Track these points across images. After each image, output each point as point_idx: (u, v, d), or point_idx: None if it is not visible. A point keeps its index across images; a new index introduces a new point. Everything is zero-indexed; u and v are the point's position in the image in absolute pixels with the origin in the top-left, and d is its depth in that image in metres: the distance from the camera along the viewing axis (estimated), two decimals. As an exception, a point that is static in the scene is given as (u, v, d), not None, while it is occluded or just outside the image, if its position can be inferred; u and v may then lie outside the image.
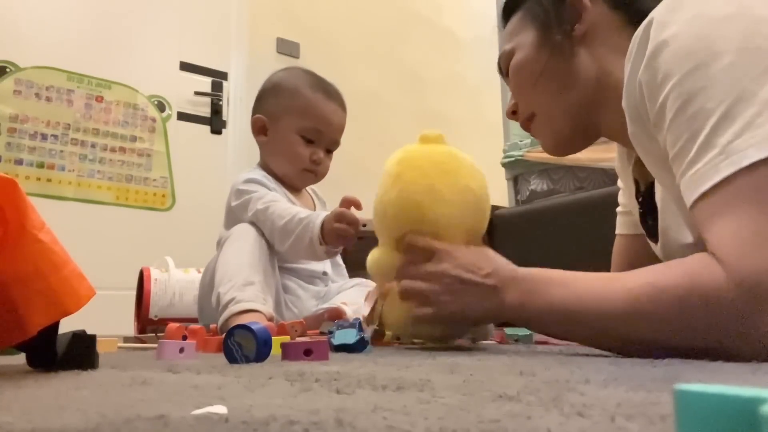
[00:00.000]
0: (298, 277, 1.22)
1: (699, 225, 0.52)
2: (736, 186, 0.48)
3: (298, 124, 1.22)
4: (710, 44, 0.51)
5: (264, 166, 1.29)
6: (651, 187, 0.71)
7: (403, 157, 0.74)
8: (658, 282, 0.50)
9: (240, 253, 1.06)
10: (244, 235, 1.09)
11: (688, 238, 0.61)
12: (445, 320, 0.67)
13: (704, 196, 0.50)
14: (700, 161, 0.50)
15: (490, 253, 0.67)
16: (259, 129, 1.27)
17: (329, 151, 1.28)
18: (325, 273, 1.27)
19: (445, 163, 0.73)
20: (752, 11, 0.51)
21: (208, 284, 1.12)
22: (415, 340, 0.91)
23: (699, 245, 0.59)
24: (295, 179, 1.27)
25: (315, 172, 1.26)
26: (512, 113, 0.79)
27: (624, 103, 0.60)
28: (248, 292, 0.99)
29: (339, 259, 1.39)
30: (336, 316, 1.04)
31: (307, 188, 1.37)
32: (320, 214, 1.04)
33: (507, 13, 0.78)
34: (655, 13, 0.55)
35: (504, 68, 0.78)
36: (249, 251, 1.06)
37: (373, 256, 0.76)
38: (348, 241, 1.00)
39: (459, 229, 0.72)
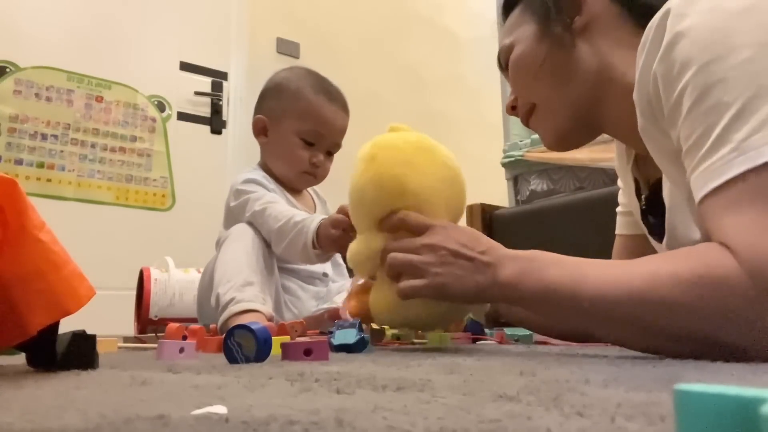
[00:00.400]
0: (298, 278, 1.22)
1: (706, 218, 0.51)
2: (749, 183, 0.47)
3: (298, 126, 1.22)
4: (728, 37, 0.50)
5: (264, 166, 1.29)
6: (656, 184, 0.70)
7: (375, 142, 0.73)
8: (670, 268, 0.49)
9: (238, 253, 1.06)
10: (243, 236, 1.09)
11: (696, 234, 0.60)
12: (435, 295, 0.63)
13: (716, 191, 0.49)
14: (713, 156, 0.49)
15: (483, 235, 0.66)
16: (260, 129, 1.27)
17: (330, 153, 1.28)
18: (325, 274, 1.27)
19: (420, 141, 0.73)
20: None
21: (207, 284, 1.12)
22: (415, 340, 0.91)
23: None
24: (294, 181, 1.27)
25: (314, 174, 1.26)
26: (512, 108, 0.79)
27: (635, 96, 0.59)
28: (247, 293, 0.99)
29: (339, 258, 1.40)
30: (336, 316, 1.04)
31: (309, 189, 1.37)
32: (315, 218, 1.03)
33: (507, 8, 0.78)
34: (672, 4, 0.54)
35: (504, 63, 0.77)
36: (247, 252, 1.06)
37: (354, 246, 0.73)
38: (343, 248, 1.00)
39: (440, 203, 0.71)
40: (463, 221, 0.83)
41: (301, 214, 1.07)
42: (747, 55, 0.49)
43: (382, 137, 0.74)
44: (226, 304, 0.98)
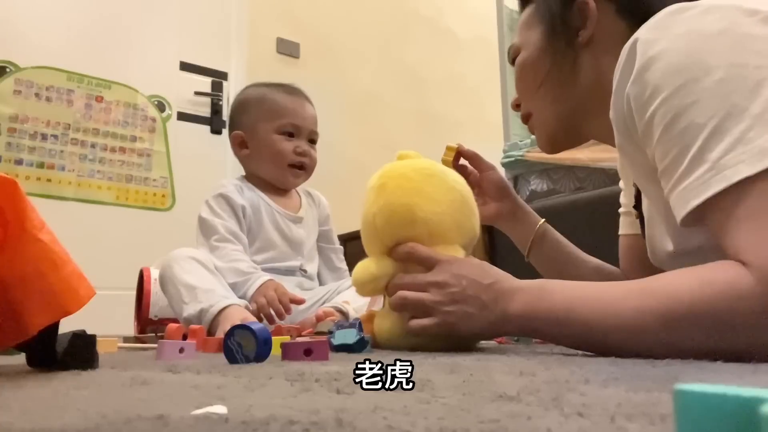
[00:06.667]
0: (278, 272, 1.24)
1: (689, 237, 0.52)
2: (726, 202, 0.48)
3: (273, 125, 1.29)
4: (700, 60, 0.51)
5: (250, 175, 1.35)
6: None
7: (385, 171, 0.74)
8: (684, 295, 0.49)
9: (191, 276, 1.09)
10: (191, 264, 1.12)
11: (670, 246, 0.62)
12: (445, 333, 0.63)
13: (694, 211, 0.50)
14: (690, 176, 0.50)
15: (491, 266, 0.66)
16: (240, 143, 1.33)
17: (312, 142, 1.34)
18: (303, 269, 1.30)
19: (428, 168, 0.73)
20: (741, 28, 0.51)
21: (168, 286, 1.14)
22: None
23: (679, 254, 0.60)
24: (284, 178, 1.32)
25: (302, 166, 1.31)
26: (516, 106, 0.82)
27: (611, 115, 0.61)
28: (214, 295, 1.04)
29: (340, 263, 1.40)
30: (320, 318, 1.05)
31: (300, 191, 1.39)
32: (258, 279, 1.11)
33: (524, 1, 0.79)
34: (640, 33, 0.55)
35: (511, 61, 0.80)
36: (199, 274, 1.10)
37: (362, 265, 0.73)
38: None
39: (452, 228, 0.71)
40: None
41: (238, 275, 1.13)
42: (719, 76, 0.50)
43: (391, 166, 0.74)
44: (200, 313, 1.02)
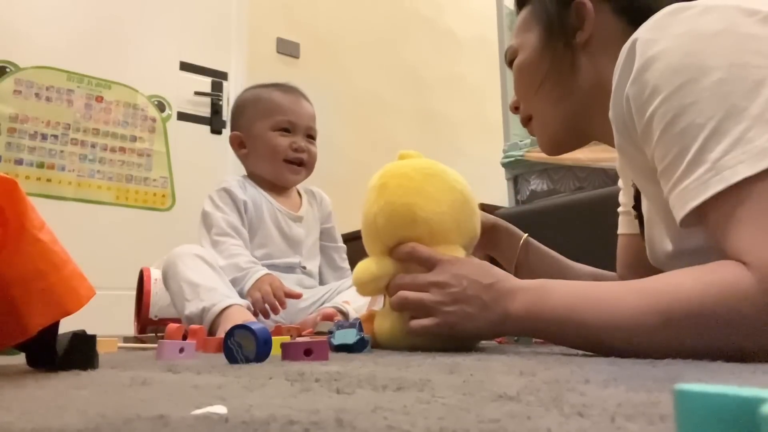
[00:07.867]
0: (277, 269, 1.24)
1: (688, 238, 0.52)
2: (726, 203, 0.48)
3: (269, 122, 1.30)
4: (700, 60, 0.51)
5: (251, 174, 1.36)
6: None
7: (385, 171, 0.74)
8: (685, 295, 0.49)
9: (195, 273, 1.09)
10: (195, 261, 1.12)
11: (669, 246, 0.62)
12: (446, 333, 0.63)
13: (694, 212, 0.50)
14: (689, 177, 0.50)
15: (492, 266, 0.66)
16: (239, 144, 1.35)
17: (310, 138, 1.34)
18: (303, 266, 1.30)
19: (429, 167, 0.73)
20: (740, 28, 0.51)
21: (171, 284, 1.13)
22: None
23: (679, 254, 0.60)
24: (282, 175, 1.32)
25: (300, 162, 1.31)
26: (515, 108, 0.82)
27: (611, 115, 0.61)
28: (217, 294, 1.04)
29: (343, 262, 1.40)
30: (329, 317, 1.05)
31: (302, 190, 1.39)
32: (256, 273, 1.13)
33: (520, 3, 0.79)
34: (639, 33, 0.55)
35: (509, 63, 0.80)
36: (203, 272, 1.10)
37: (363, 265, 0.72)
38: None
39: (452, 228, 0.71)
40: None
41: (236, 269, 1.14)
42: (718, 76, 0.50)
43: (392, 165, 0.74)
44: (201, 312, 1.02)
